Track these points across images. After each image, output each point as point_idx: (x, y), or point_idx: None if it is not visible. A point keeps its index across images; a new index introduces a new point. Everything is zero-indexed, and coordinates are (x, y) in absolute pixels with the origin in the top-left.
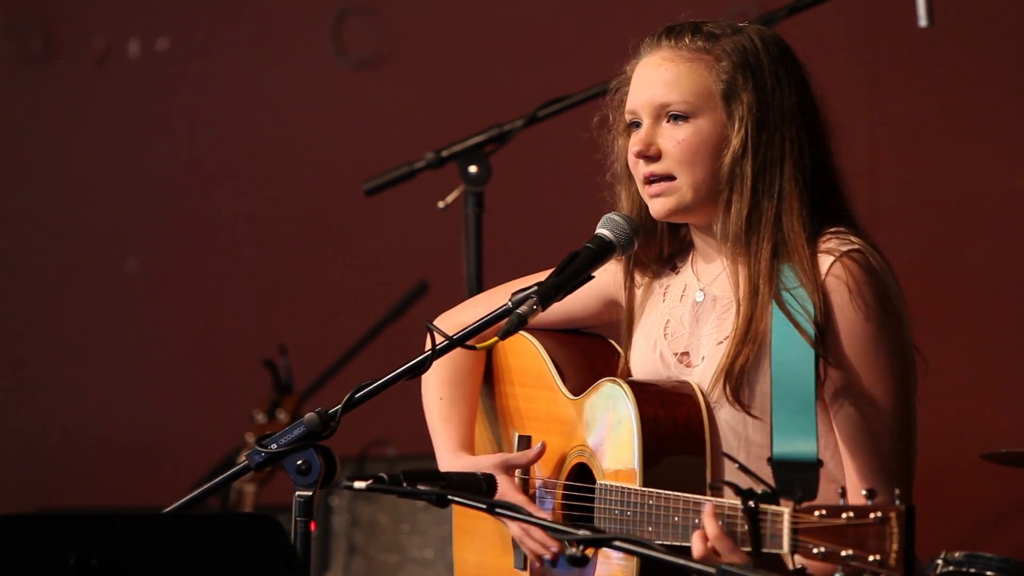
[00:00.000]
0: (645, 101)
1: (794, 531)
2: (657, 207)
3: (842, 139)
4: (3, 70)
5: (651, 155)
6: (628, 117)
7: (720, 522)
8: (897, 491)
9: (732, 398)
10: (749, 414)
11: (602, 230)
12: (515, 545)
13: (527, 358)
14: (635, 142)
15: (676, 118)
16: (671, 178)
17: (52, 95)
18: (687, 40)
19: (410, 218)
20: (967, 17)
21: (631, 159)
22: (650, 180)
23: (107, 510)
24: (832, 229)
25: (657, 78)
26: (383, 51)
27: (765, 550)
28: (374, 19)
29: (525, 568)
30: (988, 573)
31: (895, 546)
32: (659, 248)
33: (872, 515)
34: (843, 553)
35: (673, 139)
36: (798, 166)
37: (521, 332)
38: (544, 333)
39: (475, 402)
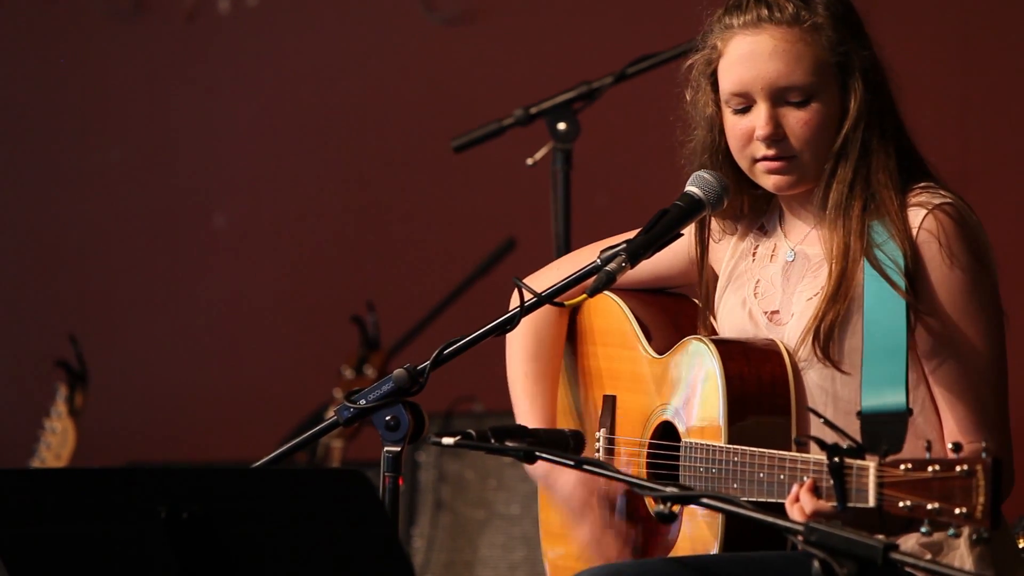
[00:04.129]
0: (764, 84)
1: (880, 485)
2: (777, 182)
3: (932, 94)
4: (94, 27)
5: (779, 138)
6: (736, 101)
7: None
8: (984, 444)
9: (822, 355)
10: (839, 370)
11: (692, 188)
12: (600, 506)
13: (611, 318)
14: (762, 125)
15: (798, 100)
16: (793, 156)
17: (142, 52)
18: (788, 13)
19: (498, 175)
20: None
21: (743, 141)
22: (768, 159)
23: (197, 464)
24: (921, 184)
25: (771, 61)
26: (472, 7)
27: (851, 504)
28: None
29: (611, 528)
30: None
31: (981, 499)
32: (739, 205)
33: (958, 468)
34: (929, 506)
35: (799, 120)
36: (886, 122)
37: (605, 292)
38: (627, 293)
39: (558, 374)
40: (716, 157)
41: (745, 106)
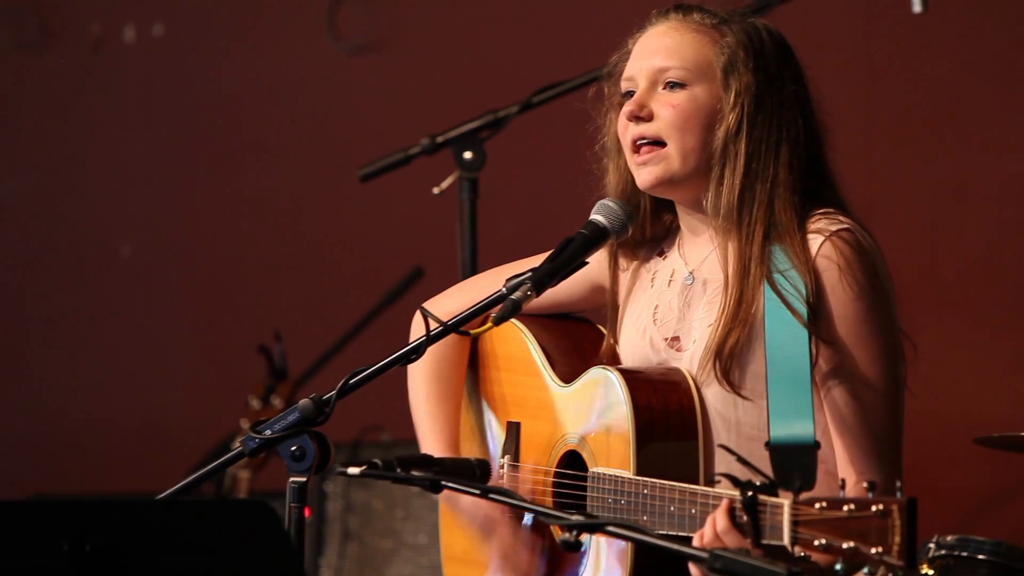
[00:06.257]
0: (645, 66)
1: (794, 523)
2: (645, 175)
3: (838, 125)
4: None
5: (643, 116)
6: (625, 85)
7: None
8: (899, 483)
9: (722, 378)
10: (739, 395)
11: (596, 216)
12: None
13: (513, 344)
14: (628, 103)
15: (673, 85)
16: (661, 144)
17: (47, 81)
18: (696, 15)
19: (405, 204)
20: (961, 3)
21: (621, 124)
22: (638, 144)
23: (101, 496)
24: (821, 210)
25: (659, 45)
26: (378, 37)
27: (765, 541)
28: (369, 5)
29: None
30: (980, 556)
31: (897, 538)
32: (641, 230)
33: (873, 507)
34: (844, 546)
35: (668, 103)
36: (794, 153)
37: None
38: (530, 318)
39: (460, 396)
40: (618, 161)
41: (631, 90)
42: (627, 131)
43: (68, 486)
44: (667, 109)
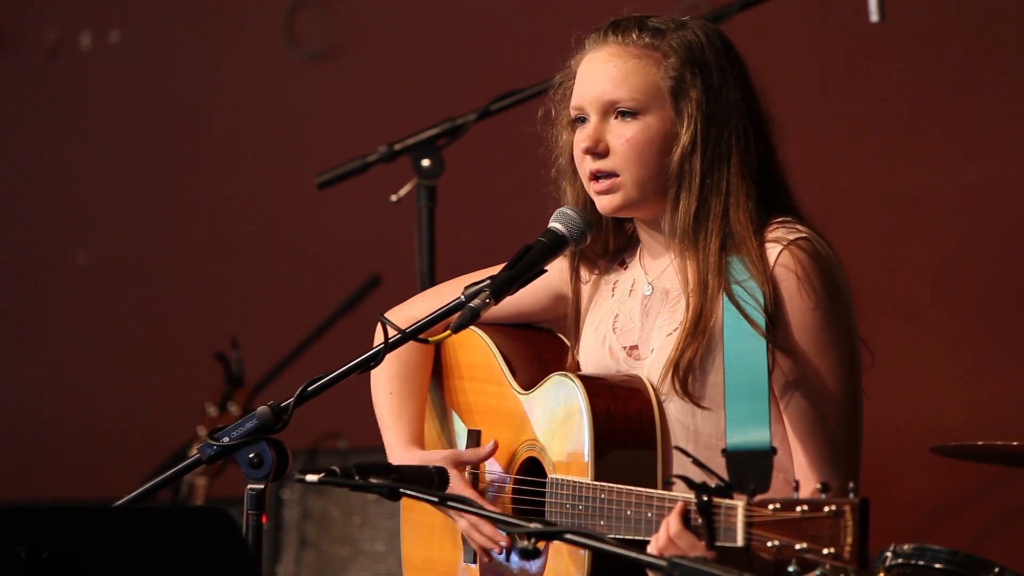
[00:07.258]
0: (593, 97)
1: (748, 525)
2: (604, 203)
3: (793, 134)
4: None
5: (599, 151)
6: (574, 112)
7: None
8: (851, 484)
9: (681, 391)
10: (699, 406)
11: (555, 224)
12: (464, 539)
13: (476, 352)
14: (583, 138)
15: (624, 115)
16: (616, 175)
17: (3, 87)
18: (634, 36)
19: (363, 211)
20: (918, 12)
21: (577, 154)
22: (596, 176)
23: (58, 503)
24: (779, 219)
25: (605, 74)
26: (336, 44)
27: (719, 543)
28: (327, 12)
29: (475, 563)
30: (936, 565)
31: (849, 539)
32: (605, 242)
33: (826, 508)
34: (797, 546)
35: (621, 136)
36: (744, 160)
37: (471, 327)
38: (493, 327)
39: (424, 396)
40: (574, 182)
41: (582, 118)
42: (583, 162)
43: (23, 492)
44: (622, 143)
